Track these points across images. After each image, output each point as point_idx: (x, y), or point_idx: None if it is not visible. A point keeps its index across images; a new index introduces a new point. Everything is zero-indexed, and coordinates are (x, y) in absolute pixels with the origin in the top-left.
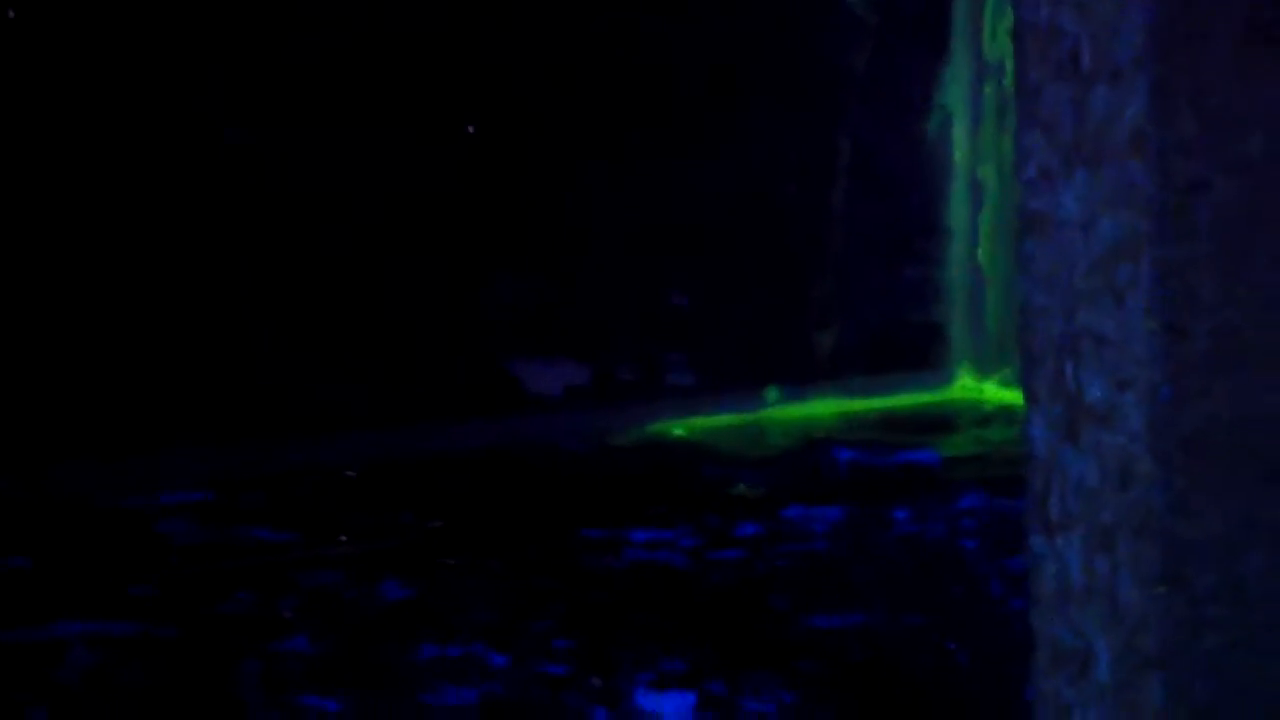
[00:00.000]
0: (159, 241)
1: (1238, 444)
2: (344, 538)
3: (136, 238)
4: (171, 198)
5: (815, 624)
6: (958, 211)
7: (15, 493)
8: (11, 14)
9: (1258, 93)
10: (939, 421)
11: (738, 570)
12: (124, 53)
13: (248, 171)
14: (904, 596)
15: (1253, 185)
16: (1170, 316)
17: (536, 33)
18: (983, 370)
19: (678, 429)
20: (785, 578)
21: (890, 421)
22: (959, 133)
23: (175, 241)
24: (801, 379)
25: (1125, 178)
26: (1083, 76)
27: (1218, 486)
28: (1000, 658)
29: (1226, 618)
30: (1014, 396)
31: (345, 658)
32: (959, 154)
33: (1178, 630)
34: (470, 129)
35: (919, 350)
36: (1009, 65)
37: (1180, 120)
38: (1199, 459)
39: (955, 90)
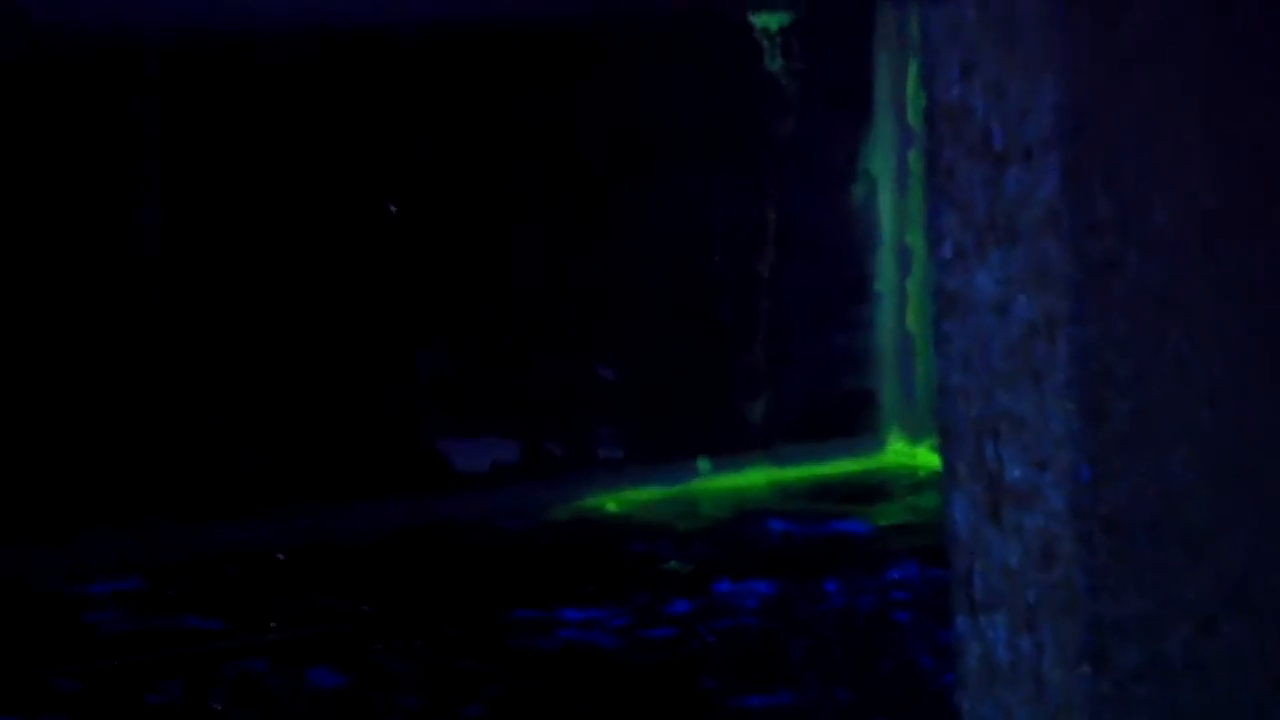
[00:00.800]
0: (73, 320)
1: (1158, 522)
2: (273, 624)
3: (52, 318)
4: (85, 279)
5: (747, 704)
6: (886, 277)
7: None
8: None
9: (1169, 167)
10: (871, 489)
11: (669, 649)
12: (25, 129)
13: (161, 249)
14: (835, 672)
15: (1165, 262)
16: (1088, 396)
17: (456, 114)
18: (914, 436)
19: (609, 503)
20: (716, 656)
21: (822, 490)
22: (885, 199)
23: (90, 320)
24: (732, 449)
25: (1040, 257)
26: (995, 156)
27: (1139, 565)
28: None
29: (1152, 696)
30: None
31: None
32: (886, 220)
33: (1103, 709)
34: (393, 207)
35: (850, 417)
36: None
37: (1093, 199)
38: (1120, 538)
39: (880, 156)
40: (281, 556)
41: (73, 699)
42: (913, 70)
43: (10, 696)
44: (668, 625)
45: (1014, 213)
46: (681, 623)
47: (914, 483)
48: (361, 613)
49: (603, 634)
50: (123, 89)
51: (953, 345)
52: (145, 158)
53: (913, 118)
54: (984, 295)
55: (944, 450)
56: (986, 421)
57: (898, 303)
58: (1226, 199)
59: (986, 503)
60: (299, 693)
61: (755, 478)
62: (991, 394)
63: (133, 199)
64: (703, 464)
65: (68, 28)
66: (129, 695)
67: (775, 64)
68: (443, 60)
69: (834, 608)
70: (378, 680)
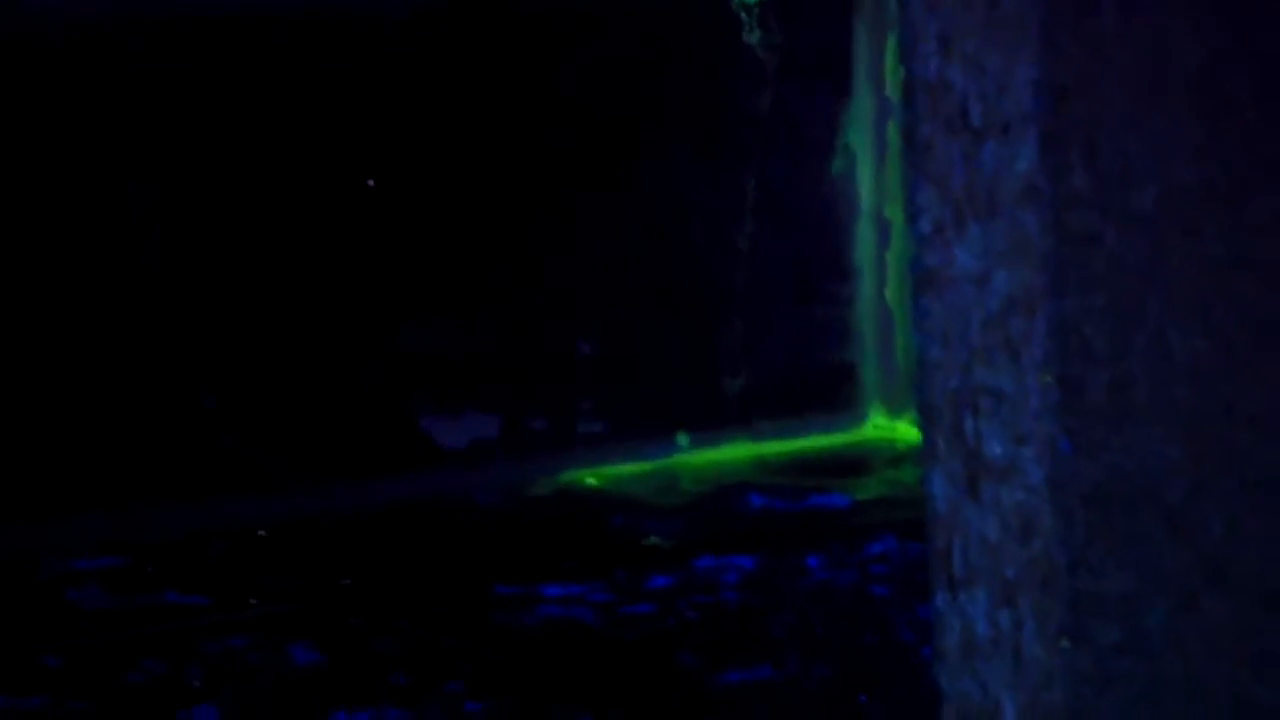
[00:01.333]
0: (61, 301)
1: (1138, 496)
2: (254, 601)
3: (40, 299)
4: (74, 260)
5: (727, 680)
6: (865, 251)
7: None
8: None
9: (1150, 144)
10: (851, 463)
11: (649, 625)
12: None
13: (148, 231)
14: (815, 647)
15: (1146, 237)
16: (1066, 370)
17: (437, 91)
18: (894, 409)
19: (590, 478)
20: (696, 632)
21: (802, 464)
22: (864, 172)
23: (77, 301)
24: (713, 423)
25: (1018, 231)
26: (973, 131)
27: (1119, 540)
28: (911, 710)
29: (1132, 671)
30: None
31: None
32: (865, 193)
33: (1083, 685)
34: (370, 182)
35: (830, 391)
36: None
37: (1072, 173)
38: (1100, 512)
39: (859, 130)
40: (263, 534)
41: (55, 675)
42: (891, 44)
43: None
44: (648, 601)
45: (992, 187)
46: (662, 598)
47: (894, 456)
48: (342, 589)
49: (583, 609)
50: (111, 69)
51: (931, 320)
52: (133, 138)
53: (892, 91)
54: (962, 269)
55: (923, 425)
56: (965, 396)
57: (877, 277)
58: (1210, 175)
59: (965, 478)
60: (280, 669)
61: (735, 452)
62: (970, 369)
63: (122, 181)
64: (682, 439)
65: (56, 12)
66: (111, 672)
67: (753, 37)
68: (426, 38)
69: (814, 582)
70: (357, 656)
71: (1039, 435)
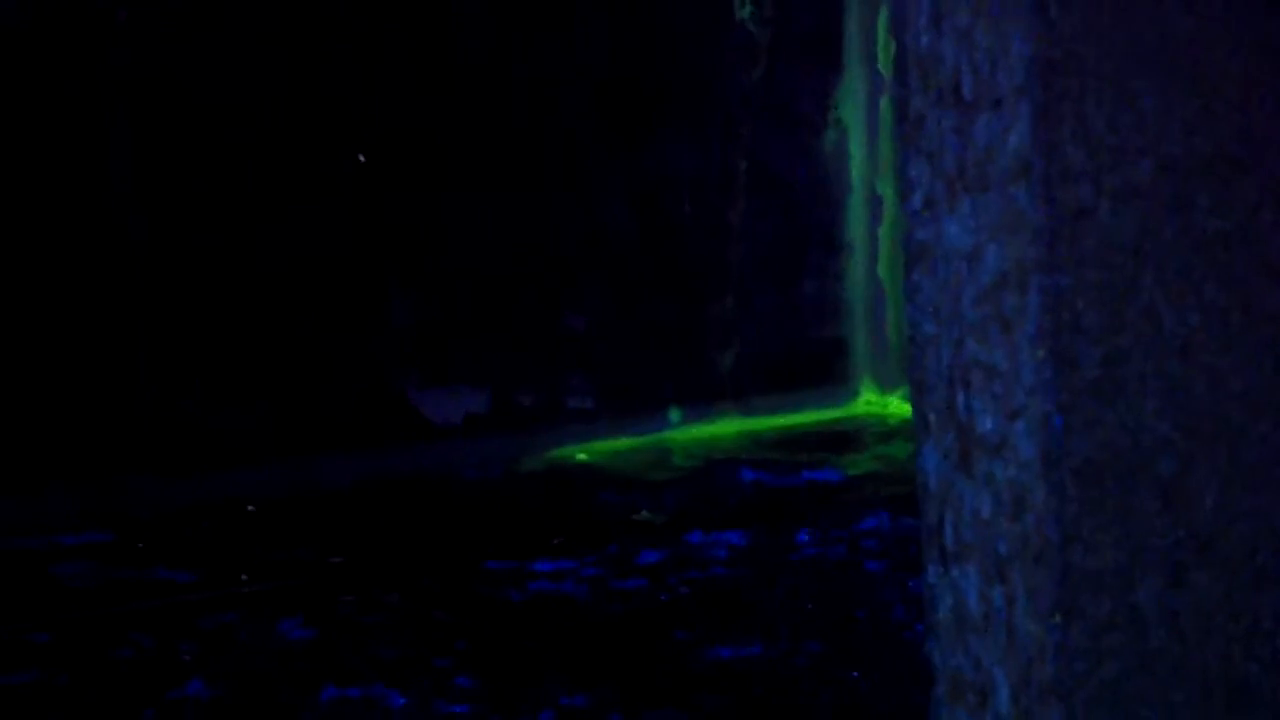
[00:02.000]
0: (43, 274)
1: (1130, 472)
2: (244, 576)
3: (26, 273)
4: (61, 233)
5: (717, 655)
6: (856, 226)
7: None
8: None
9: (1142, 119)
10: (842, 438)
11: (640, 600)
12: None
13: (129, 203)
14: (806, 623)
15: (1138, 212)
16: (1059, 345)
17: (429, 61)
18: (885, 385)
19: (580, 453)
20: (687, 607)
21: (793, 440)
22: (856, 147)
23: (60, 275)
24: (704, 398)
25: (1010, 206)
26: (965, 105)
27: (1111, 515)
28: (902, 686)
29: (1124, 646)
30: None
31: (244, 703)
32: (856, 169)
33: (1075, 660)
34: (361, 157)
35: (821, 366)
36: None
37: (1064, 148)
38: (1092, 488)
39: (851, 105)
40: (252, 509)
41: (44, 651)
42: (883, 18)
43: None
44: (638, 576)
45: (984, 161)
46: (652, 573)
47: (885, 431)
48: (331, 564)
49: (574, 584)
50: (97, 40)
51: (923, 295)
52: (117, 106)
53: (884, 66)
54: (954, 244)
55: (915, 401)
56: (957, 371)
57: (869, 252)
58: (1202, 150)
59: (958, 453)
60: (269, 645)
61: (726, 427)
62: (962, 344)
63: (106, 151)
64: (674, 414)
65: None
66: (100, 648)
67: (745, 11)
68: (407, 11)
69: (805, 557)
70: (347, 632)
71: (1031, 410)
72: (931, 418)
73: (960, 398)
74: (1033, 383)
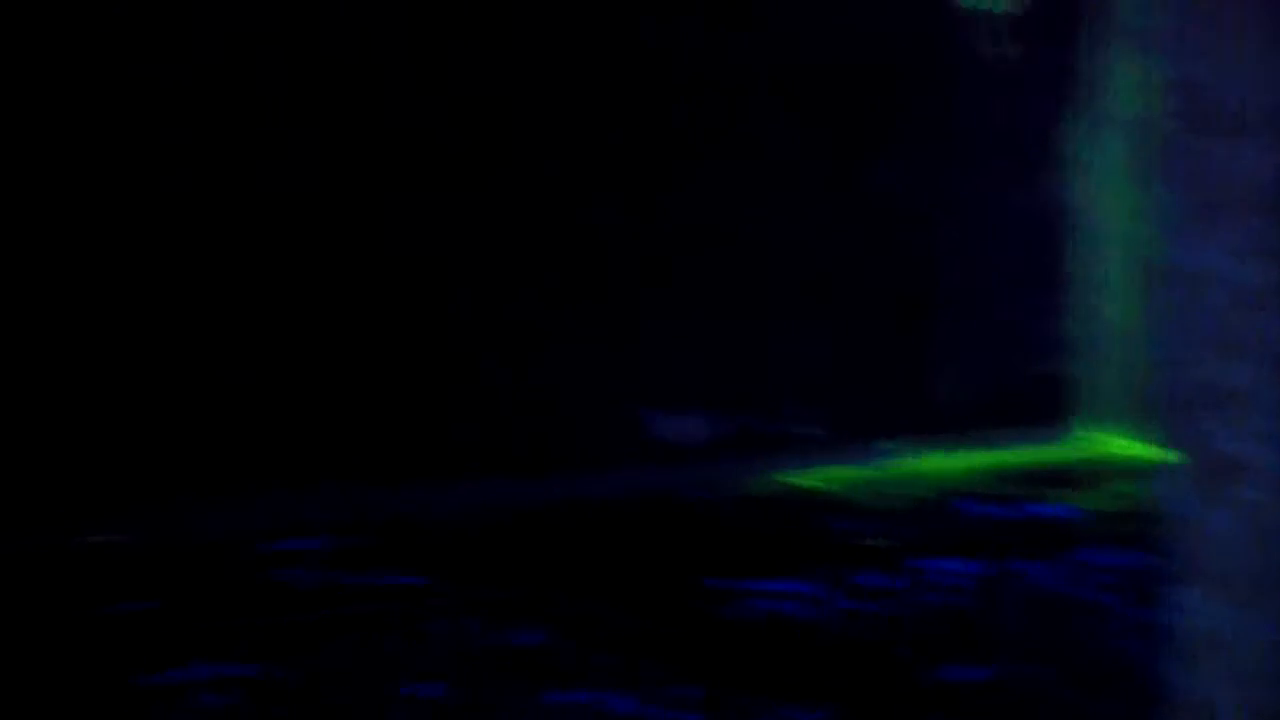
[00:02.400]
0: (314, 286)
1: None
2: (477, 584)
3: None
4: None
5: (944, 676)
6: (1085, 263)
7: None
8: None
9: None
10: (1065, 475)
11: (865, 622)
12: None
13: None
14: (1036, 650)
15: None
16: None
17: (603, 45)
18: (1109, 424)
19: (803, 479)
20: (913, 629)
21: (1015, 475)
22: (1090, 184)
23: (334, 284)
24: (924, 430)
25: (1262, 230)
26: (1224, 130)
27: None
28: (1133, 713)
29: None
30: (1142, 451)
31: (473, 703)
32: (1090, 205)
33: None
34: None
35: (1043, 403)
36: (1141, 119)
37: None
38: None
39: (1086, 142)
40: (493, 521)
41: (267, 647)
42: (1119, 57)
43: (209, 646)
44: (864, 599)
45: (1241, 186)
46: (878, 597)
47: (1109, 470)
48: (560, 576)
49: (799, 604)
50: None
51: (1170, 318)
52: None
53: (1122, 105)
54: (1203, 267)
55: (1159, 425)
56: (1204, 395)
57: (1097, 289)
58: None
59: (1201, 477)
60: (498, 649)
61: (946, 460)
62: (1209, 367)
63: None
64: (894, 444)
65: None
66: (317, 645)
67: (985, 49)
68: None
69: (1030, 587)
70: (574, 641)
71: (1276, 433)
72: (1176, 442)
73: (1205, 422)
74: (1277, 405)
